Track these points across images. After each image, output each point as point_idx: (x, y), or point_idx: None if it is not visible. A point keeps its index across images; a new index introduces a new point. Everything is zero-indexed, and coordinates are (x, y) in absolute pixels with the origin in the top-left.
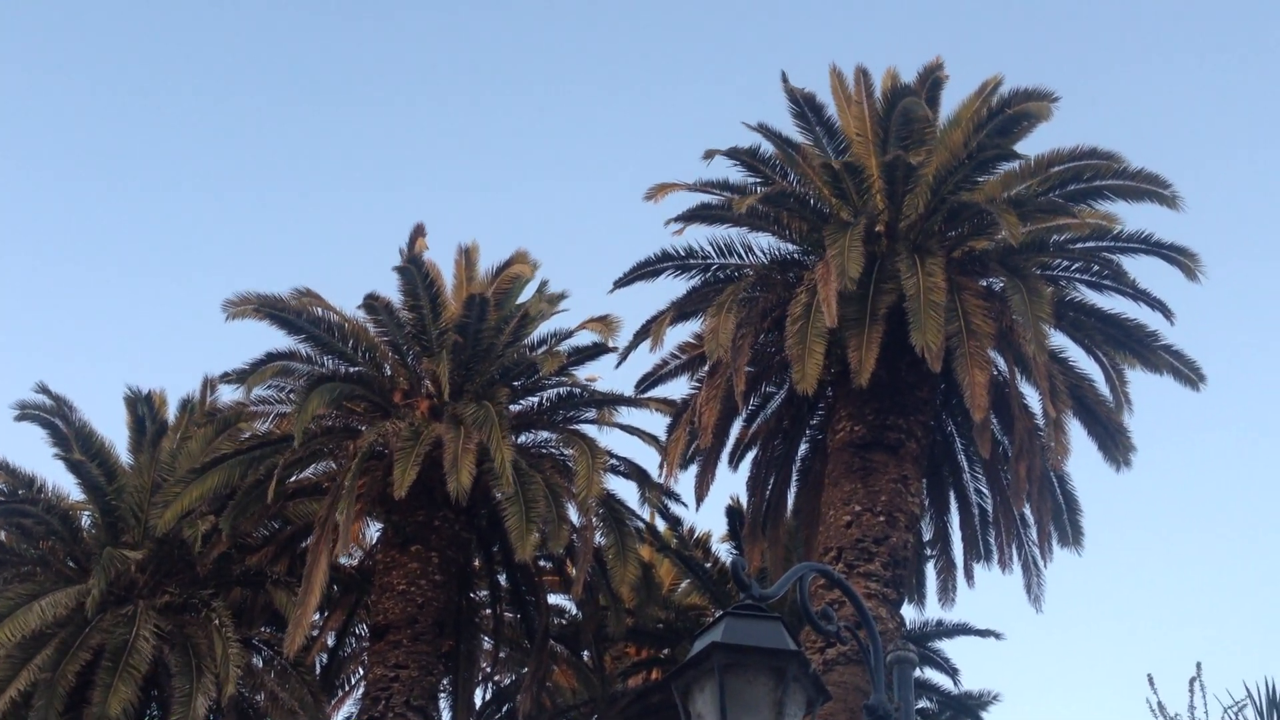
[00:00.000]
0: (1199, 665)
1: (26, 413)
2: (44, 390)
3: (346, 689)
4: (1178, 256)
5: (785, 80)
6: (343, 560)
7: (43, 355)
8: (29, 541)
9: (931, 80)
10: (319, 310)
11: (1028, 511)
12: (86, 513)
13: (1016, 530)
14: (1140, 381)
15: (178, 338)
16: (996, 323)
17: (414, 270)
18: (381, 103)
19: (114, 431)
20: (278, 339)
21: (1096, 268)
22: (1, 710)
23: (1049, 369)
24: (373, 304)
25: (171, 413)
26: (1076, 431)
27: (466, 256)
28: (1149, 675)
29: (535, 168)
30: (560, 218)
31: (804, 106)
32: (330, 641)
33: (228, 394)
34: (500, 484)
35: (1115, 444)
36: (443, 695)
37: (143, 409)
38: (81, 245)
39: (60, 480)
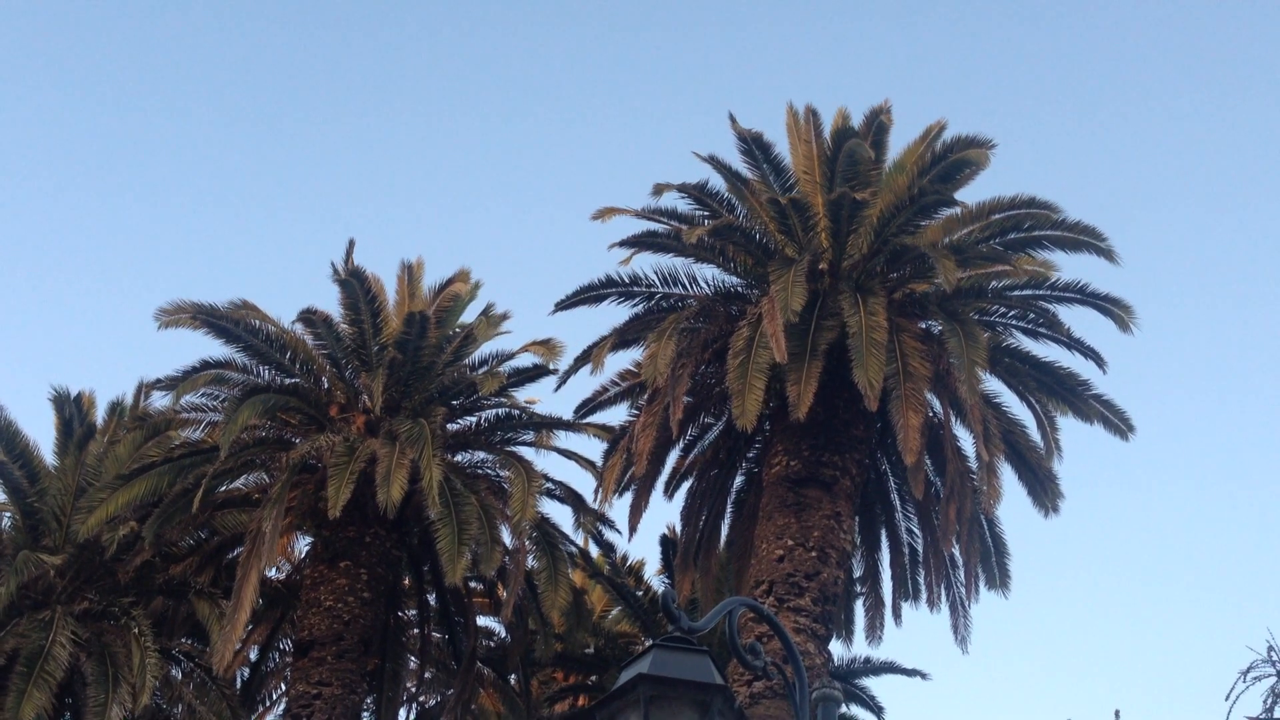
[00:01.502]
0: (1117, 713)
1: None
2: None
3: (267, 705)
4: (1112, 307)
5: (733, 121)
6: (270, 574)
7: None
8: None
9: (878, 124)
10: (256, 321)
11: (957, 553)
12: (7, 514)
13: (945, 571)
14: (1071, 429)
15: (114, 343)
16: (933, 365)
17: (355, 284)
18: (331, 120)
19: (41, 433)
20: (214, 348)
21: (1033, 315)
22: None
23: (983, 413)
24: (310, 317)
25: (100, 416)
26: (1007, 476)
27: (410, 273)
28: None
29: (484, 189)
30: (507, 239)
31: (751, 145)
32: (253, 655)
33: (161, 401)
34: (429, 502)
35: (1044, 490)
36: (366, 714)
37: (70, 410)
38: (18, 245)
39: None
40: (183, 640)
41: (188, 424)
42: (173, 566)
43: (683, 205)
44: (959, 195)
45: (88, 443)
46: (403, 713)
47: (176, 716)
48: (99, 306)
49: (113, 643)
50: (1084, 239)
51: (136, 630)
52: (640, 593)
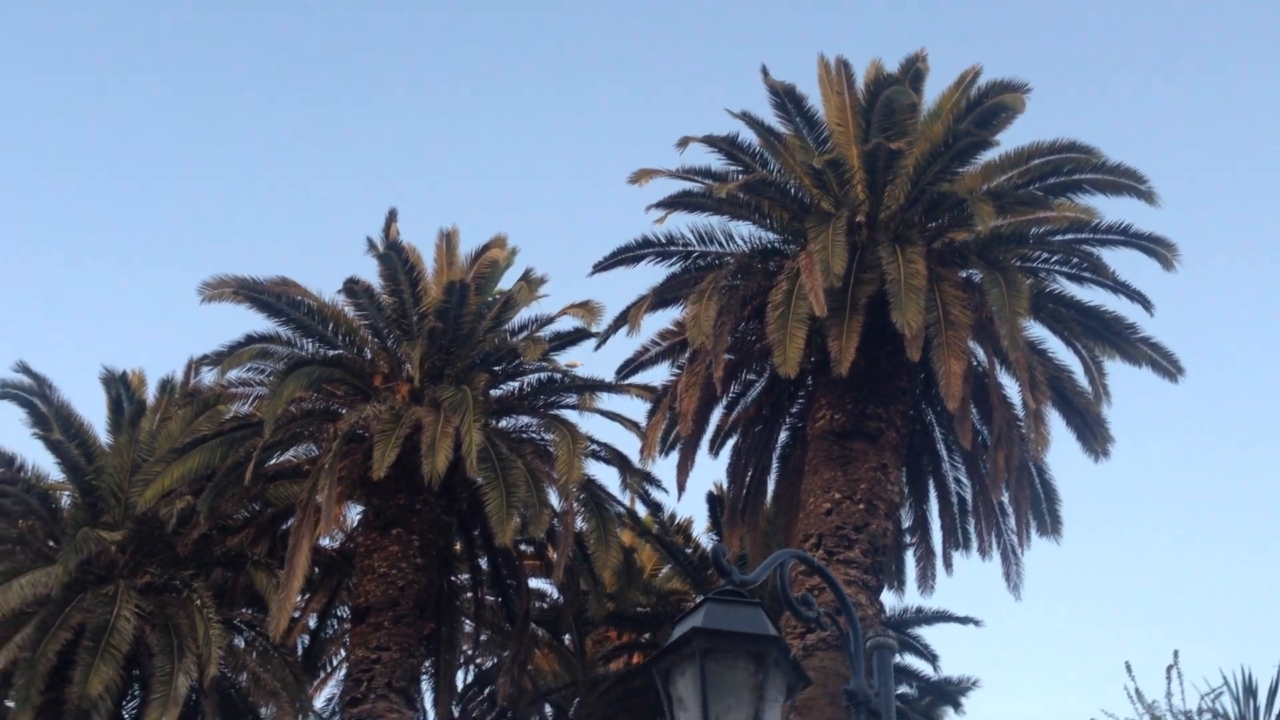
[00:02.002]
0: (1176, 653)
1: (6, 392)
2: (24, 369)
3: (329, 670)
4: (1155, 247)
5: (765, 74)
6: (324, 543)
7: (22, 336)
8: (8, 521)
9: (913, 71)
10: (297, 295)
11: (1006, 500)
12: (66, 493)
13: (995, 519)
14: (1119, 373)
15: (161, 322)
16: (975, 314)
17: (394, 255)
18: (360, 90)
19: (94, 413)
20: (258, 322)
21: (1076, 260)
22: None
23: (1028, 360)
24: (353, 288)
25: (151, 394)
26: (1055, 422)
27: (447, 241)
28: (1126, 663)
29: (517, 154)
30: (541, 204)
31: (784, 98)
32: (312, 623)
33: (210, 377)
34: (469, 467)
35: (1094, 435)
36: (425, 677)
37: (118, 389)
38: (63, 229)
39: (40, 460)
40: (244, 610)
41: (236, 398)
42: (229, 539)
43: (717, 164)
44: (996, 141)
45: (139, 420)
46: (461, 674)
47: (241, 685)
48: (145, 288)
49: (176, 614)
50: (1125, 181)
51: (198, 602)
52: (689, 550)
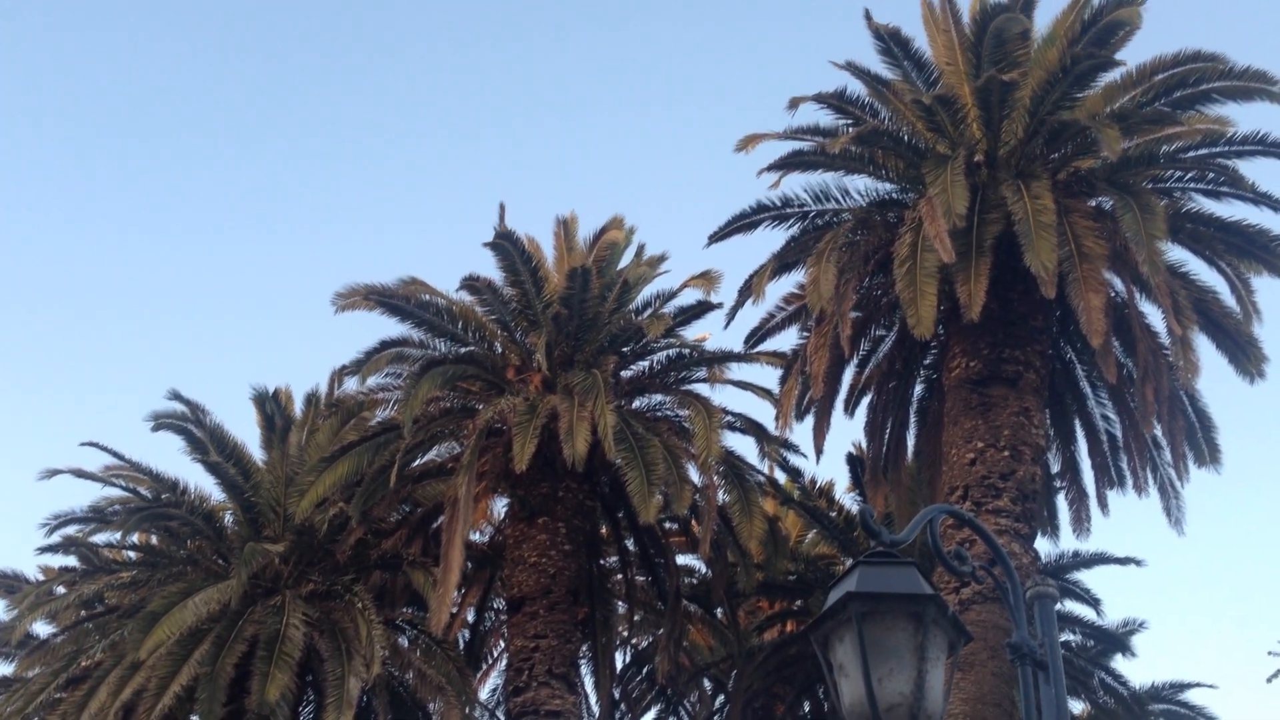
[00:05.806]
0: None
1: (162, 421)
2: (177, 397)
3: (490, 662)
4: None
5: (869, 18)
6: (474, 537)
7: (169, 363)
8: (177, 543)
9: (1023, 0)
10: (425, 295)
11: (1159, 433)
12: (228, 511)
13: (1149, 453)
14: (1267, 289)
15: (300, 338)
16: (1109, 243)
17: (508, 245)
18: (465, 88)
19: (243, 430)
20: (391, 326)
21: (1211, 175)
22: (169, 705)
23: (1169, 285)
24: (474, 284)
25: (297, 408)
26: (1204, 347)
27: (565, 228)
28: None
29: (623, 130)
30: (655, 183)
31: (889, 41)
32: (470, 617)
33: (353, 385)
34: (607, 450)
35: (1246, 356)
36: (583, 661)
37: (270, 406)
38: (195, 265)
39: (200, 481)
40: (404, 610)
41: (379, 404)
42: (384, 541)
43: (825, 119)
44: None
45: (289, 434)
46: (618, 656)
47: (409, 682)
48: (278, 307)
49: (341, 619)
50: (1255, 85)
51: (360, 605)
52: (833, 514)
